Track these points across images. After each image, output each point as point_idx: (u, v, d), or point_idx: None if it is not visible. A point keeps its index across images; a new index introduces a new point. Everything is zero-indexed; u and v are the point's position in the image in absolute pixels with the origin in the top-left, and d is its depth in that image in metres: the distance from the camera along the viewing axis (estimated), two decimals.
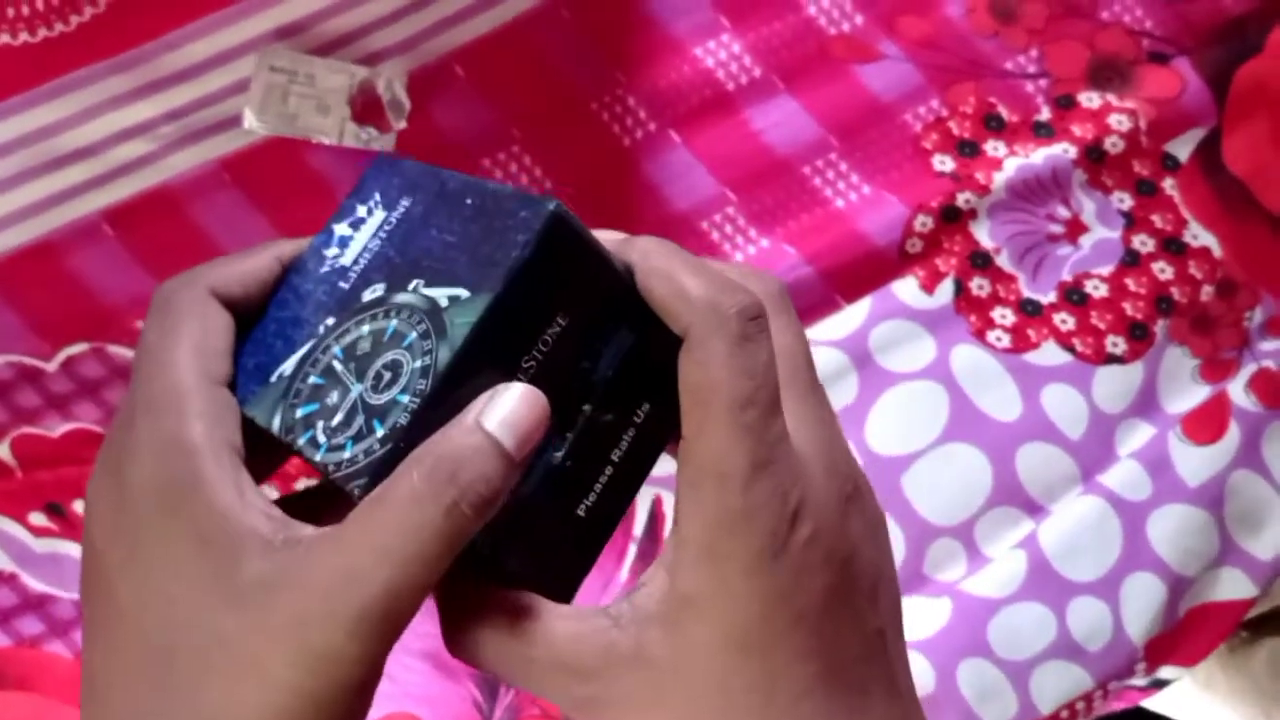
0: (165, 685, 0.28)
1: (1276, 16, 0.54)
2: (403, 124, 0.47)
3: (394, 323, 0.26)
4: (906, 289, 0.51)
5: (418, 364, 0.26)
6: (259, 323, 0.29)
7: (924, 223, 0.51)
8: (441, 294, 0.26)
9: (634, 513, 0.49)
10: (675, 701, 0.29)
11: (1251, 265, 0.54)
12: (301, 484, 0.47)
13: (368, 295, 0.27)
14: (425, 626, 0.48)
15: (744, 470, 0.28)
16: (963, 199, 0.51)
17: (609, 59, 0.49)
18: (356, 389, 0.26)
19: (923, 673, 0.49)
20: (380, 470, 0.25)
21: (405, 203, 0.29)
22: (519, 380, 0.26)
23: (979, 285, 0.51)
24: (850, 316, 0.51)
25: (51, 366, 0.47)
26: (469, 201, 0.27)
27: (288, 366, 0.28)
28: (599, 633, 0.29)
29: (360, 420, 0.26)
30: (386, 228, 0.28)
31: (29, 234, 0.46)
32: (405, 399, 0.25)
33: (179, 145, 0.47)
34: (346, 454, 0.26)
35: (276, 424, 0.27)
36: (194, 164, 0.47)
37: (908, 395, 0.51)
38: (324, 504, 0.31)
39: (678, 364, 0.28)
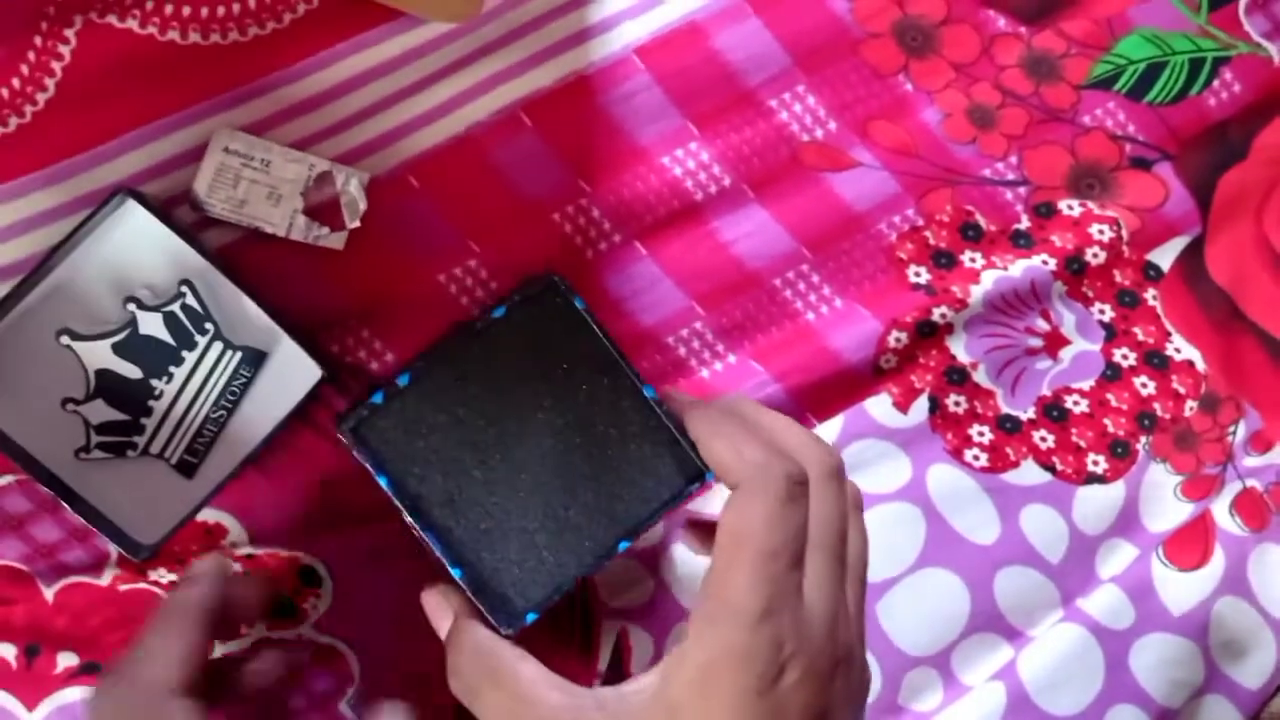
0: None
1: (1261, 121, 0.52)
2: (356, 223, 0.45)
3: None
4: (880, 407, 0.49)
5: None
6: None
7: (898, 338, 0.49)
8: None
9: (599, 645, 0.46)
10: None
11: (1235, 378, 0.52)
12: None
13: None
14: None
15: (755, 612, 0.32)
16: (938, 313, 0.49)
17: (572, 168, 0.47)
18: None
19: None
20: None
21: None
22: None
23: (955, 402, 0.49)
24: (821, 436, 0.48)
25: None
26: None
27: None
28: (582, 710, 0.33)
29: None
30: None
31: None
32: None
33: None
34: None
35: None
36: None
37: (882, 518, 0.49)
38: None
39: (722, 510, 0.34)
